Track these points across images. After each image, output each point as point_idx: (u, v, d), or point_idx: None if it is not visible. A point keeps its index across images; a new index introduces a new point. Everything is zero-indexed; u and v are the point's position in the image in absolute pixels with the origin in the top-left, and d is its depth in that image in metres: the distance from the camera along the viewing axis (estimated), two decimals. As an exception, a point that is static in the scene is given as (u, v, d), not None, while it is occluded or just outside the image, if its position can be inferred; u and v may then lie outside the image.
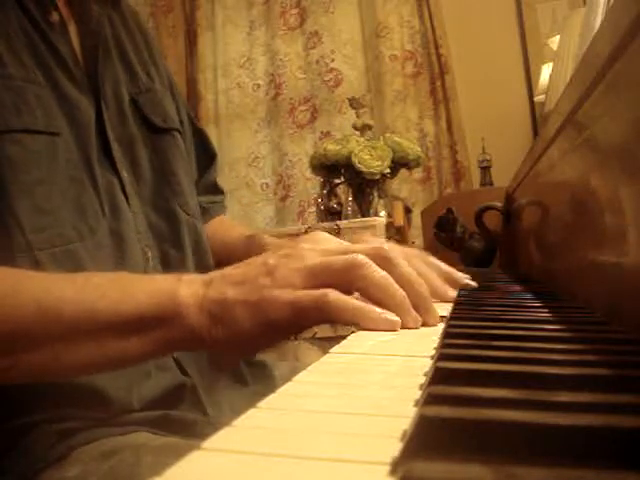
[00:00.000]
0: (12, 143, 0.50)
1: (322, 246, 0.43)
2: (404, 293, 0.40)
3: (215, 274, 0.42)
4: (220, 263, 0.63)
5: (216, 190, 0.86)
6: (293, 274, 0.39)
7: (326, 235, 0.46)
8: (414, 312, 0.40)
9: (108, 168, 0.59)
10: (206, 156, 0.84)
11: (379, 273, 0.40)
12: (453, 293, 0.52)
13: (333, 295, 0.38)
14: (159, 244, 0.63)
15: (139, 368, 0.53)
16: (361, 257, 0.40)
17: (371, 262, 0.40)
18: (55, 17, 0.58)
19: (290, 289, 0.39)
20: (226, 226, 0.84)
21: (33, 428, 0.48)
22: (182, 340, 0.41)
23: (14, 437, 0.48)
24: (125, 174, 0.61)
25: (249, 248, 0.70)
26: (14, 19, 0.55)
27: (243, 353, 0.43)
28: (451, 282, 0.55)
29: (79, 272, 0.47)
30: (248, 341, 0.40)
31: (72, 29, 0.61)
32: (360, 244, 0.45)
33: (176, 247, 0.65)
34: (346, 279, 0.39)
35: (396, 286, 0.40)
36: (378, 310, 0.38)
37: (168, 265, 0.62)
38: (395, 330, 0.38)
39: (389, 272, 0.40)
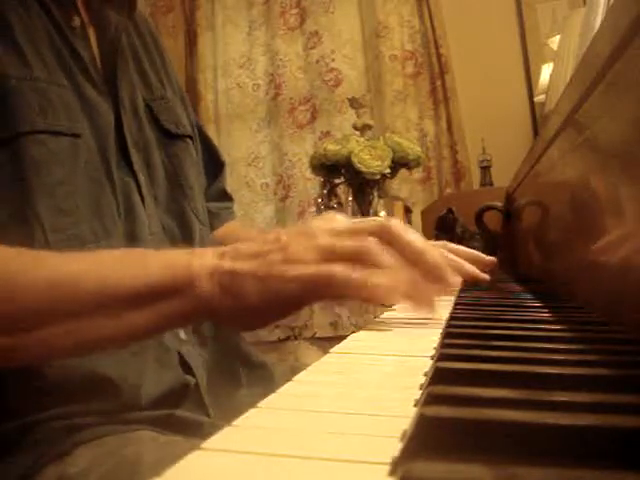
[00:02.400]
0: (36, 144, 0.51)
1: (333, 226, 0.43)
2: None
3: (227, 248, 0.42)
4: None
5: (226, 197, 0.87)
6: (304, 251, 0.40)
7: (338, 216, 0.46)
8: (426, 295, 0.41)
9: (125, 170, 0.60)
10: (215, 164, 0.85)
11: (390, 260, 0.40)
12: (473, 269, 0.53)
13: (339, 269, 0.38)
14: (172, 246, 0.64)
15: (149, 362, 0.54)
16: (373, 242, 0.40)
17: (382, 248, 0.40)
18: (77, 22, 0.59)
19: (300, 265, 0.39)
20: (239, 228, 0.85)
21: (38, 424, 0.48)
22: (194, 310, 0.41)
23: (19, 433, 0.48)
24: (142, 176, 0.62)
25: None
26: (38, 22, 0.56)
27: (250, 326, 0.43)
28: (478, 264, 0.56)
29: None
30: (255, 314, 0.41)
31: (91, 34, 0.62)
32: (367, 222, 0.45)
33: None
34: (356, 262, 0.40)
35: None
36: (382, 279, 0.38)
37: None
38: (395, 302, 0.38)
39: (397, 246, 0.41)
